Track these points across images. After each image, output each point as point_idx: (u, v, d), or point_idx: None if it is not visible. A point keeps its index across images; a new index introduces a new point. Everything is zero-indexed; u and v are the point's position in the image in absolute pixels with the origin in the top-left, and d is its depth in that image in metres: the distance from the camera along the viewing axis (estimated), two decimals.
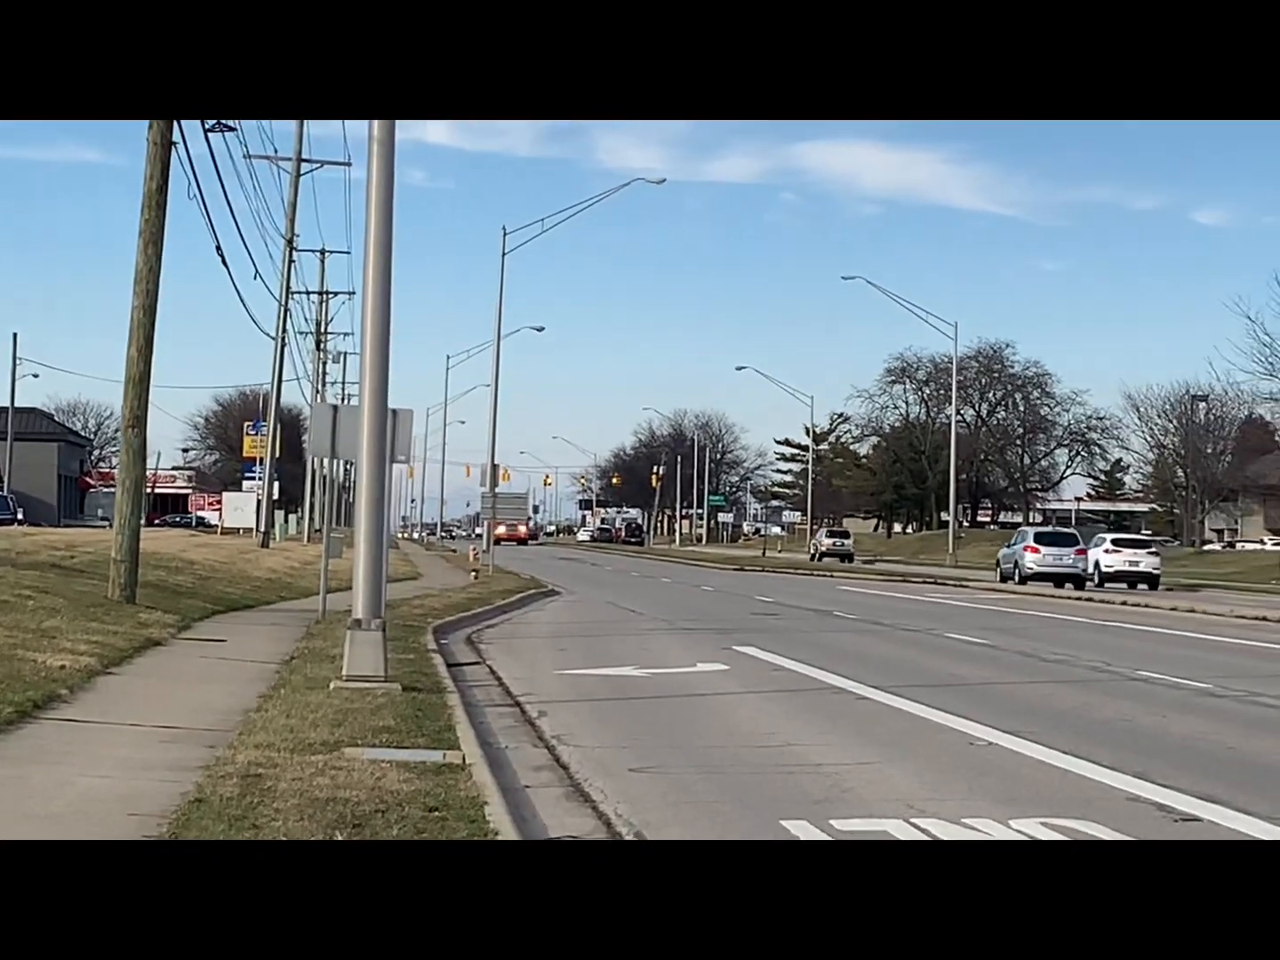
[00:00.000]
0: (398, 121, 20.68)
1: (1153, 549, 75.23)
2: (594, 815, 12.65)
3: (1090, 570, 69.00)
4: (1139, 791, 13.76)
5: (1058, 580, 67.35)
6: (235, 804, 11.23)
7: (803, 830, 11.76)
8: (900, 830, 11.80)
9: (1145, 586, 67.47)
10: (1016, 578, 69.45)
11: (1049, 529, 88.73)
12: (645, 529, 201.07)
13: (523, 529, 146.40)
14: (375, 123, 19.82)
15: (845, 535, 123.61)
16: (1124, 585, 67.21)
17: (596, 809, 12.94)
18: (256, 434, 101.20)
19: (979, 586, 67.51)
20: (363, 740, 14.67)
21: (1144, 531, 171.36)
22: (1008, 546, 76.62)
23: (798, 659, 26.36)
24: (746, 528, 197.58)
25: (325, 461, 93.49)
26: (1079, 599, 56.23)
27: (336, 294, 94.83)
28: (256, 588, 39.99)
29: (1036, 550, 69.41)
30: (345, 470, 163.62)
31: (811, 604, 47.88)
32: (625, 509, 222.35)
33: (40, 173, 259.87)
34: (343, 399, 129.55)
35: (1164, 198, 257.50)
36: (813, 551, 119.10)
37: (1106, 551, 70.69)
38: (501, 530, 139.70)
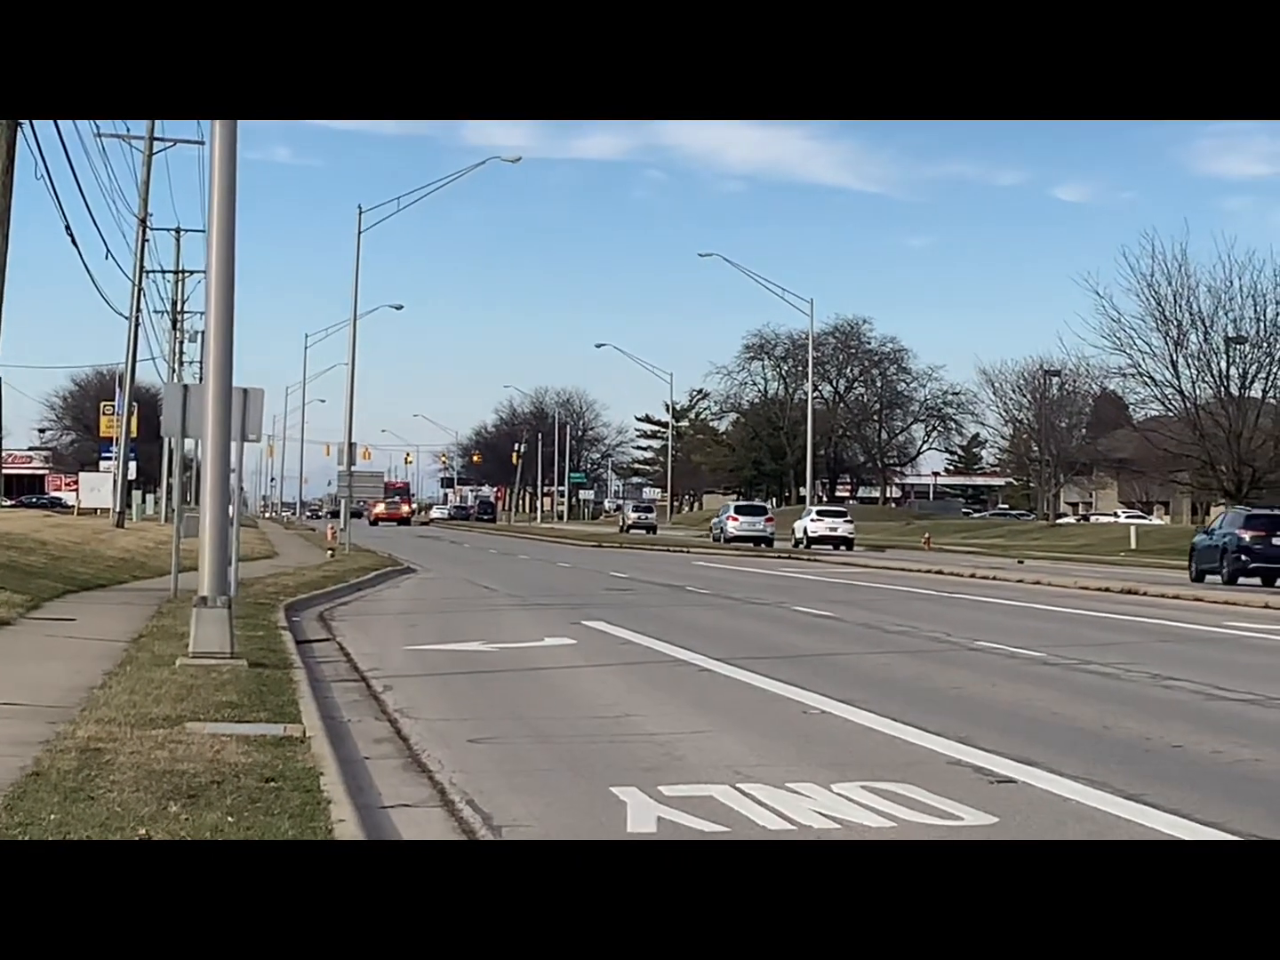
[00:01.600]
0: None
1: (848, 517, 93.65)
2: (429, 785, 12.88)
3: (800, 535, 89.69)
4: (960, 756, 14.17)
5: (753, 541, 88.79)
6: (72, 777, 11.39)
7: (631, 796, 12.09)
8: (725, 795, 12.15)
9: (844, 548, 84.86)
10: (722, 539, 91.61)
11: (745, 503, 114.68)
12: (499, 506, 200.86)
13: (405, 508, 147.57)
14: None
15: (649, 510, 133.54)
16: (829, 547, 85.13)
17: (432, 778, 13.17)
18: (114, 414, 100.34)
19: (829, 560, 68.20)
20: (205, 715, 14.82)
21: (1001, 505, 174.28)
22: (717, 516, 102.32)
23: (646, 633, 26.68)
24: (608, 505, 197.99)
25: (180, 441, 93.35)
26: (930, 572, 56.86)
27: (193, 273, 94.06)
28: (110, 567, 39.83)
29: (735, 519, 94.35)
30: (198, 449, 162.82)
31: (665, 580, 48.24)
32: (481, 487, 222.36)
33: None
34: (200, 378, 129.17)
35: (1027, 173, 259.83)
36: (620, 524, 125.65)
37: (812, 520, 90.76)
38: (381, 509, 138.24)
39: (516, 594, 39.20)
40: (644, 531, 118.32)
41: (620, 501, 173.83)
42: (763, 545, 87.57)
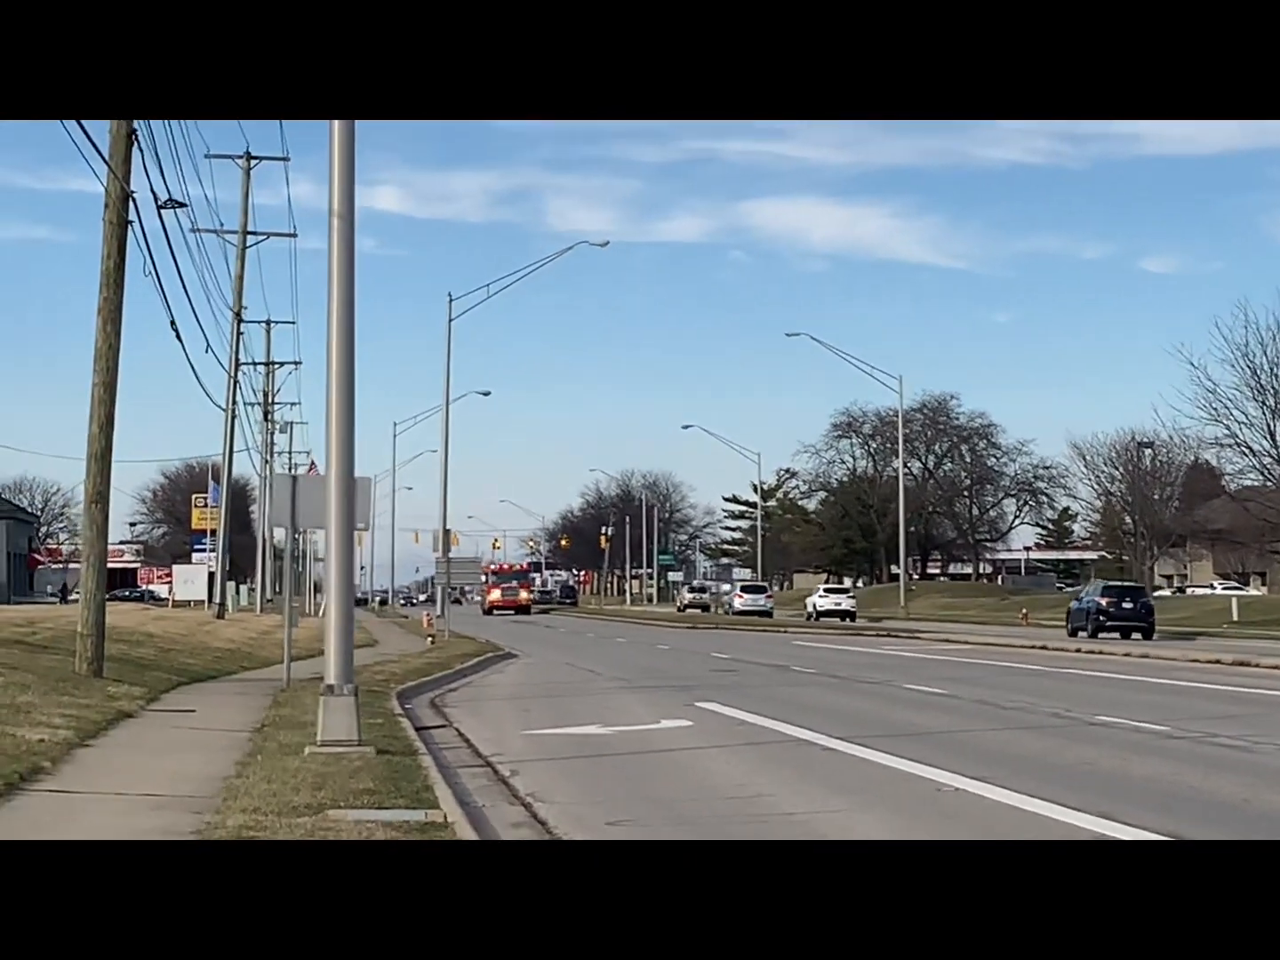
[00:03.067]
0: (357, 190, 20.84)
1: (850, 593, 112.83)
2: None
3: (810, 611, 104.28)
4: (1104, 830, 14.15)
5: (756, 614, 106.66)
6: None
7: None
8: None
9: (849, 620, 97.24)
10: (729, 612, 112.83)
11: (750, 582, 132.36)
12: (581, 590, 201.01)
13: (524, 594, 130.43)
14: (335, 195, 20.18)
15: (703, 590, 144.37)
16: (836, 619, 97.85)
17: None
18: (206, 506, 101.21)
19: (928, 638, 67.93)
20: (345, 802, 14.92)
21: (1093, 579, 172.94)
22: (725, 595, 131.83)
23: (761, 713, 26.69)
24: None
25: (278, 532, 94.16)
26: (1034, 648, 56.60)
27: (283, 364, 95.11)
28: (218, 658, 40.14)
29: (741, 596, 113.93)
30: (295, 540, 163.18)
31: (768, 659, 48.22)
32: (559, 571, 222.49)
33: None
34: (289, 469, 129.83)
35: (1112, 246, 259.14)
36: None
37: (820, 596, 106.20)
38: (496, 596, 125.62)
39: (622, 677, 39.20)
40: (699, 610, 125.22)
41: (712, 583, 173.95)
42: (764, 617, 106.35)
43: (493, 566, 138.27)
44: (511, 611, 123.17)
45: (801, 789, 17.53)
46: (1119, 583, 78.60)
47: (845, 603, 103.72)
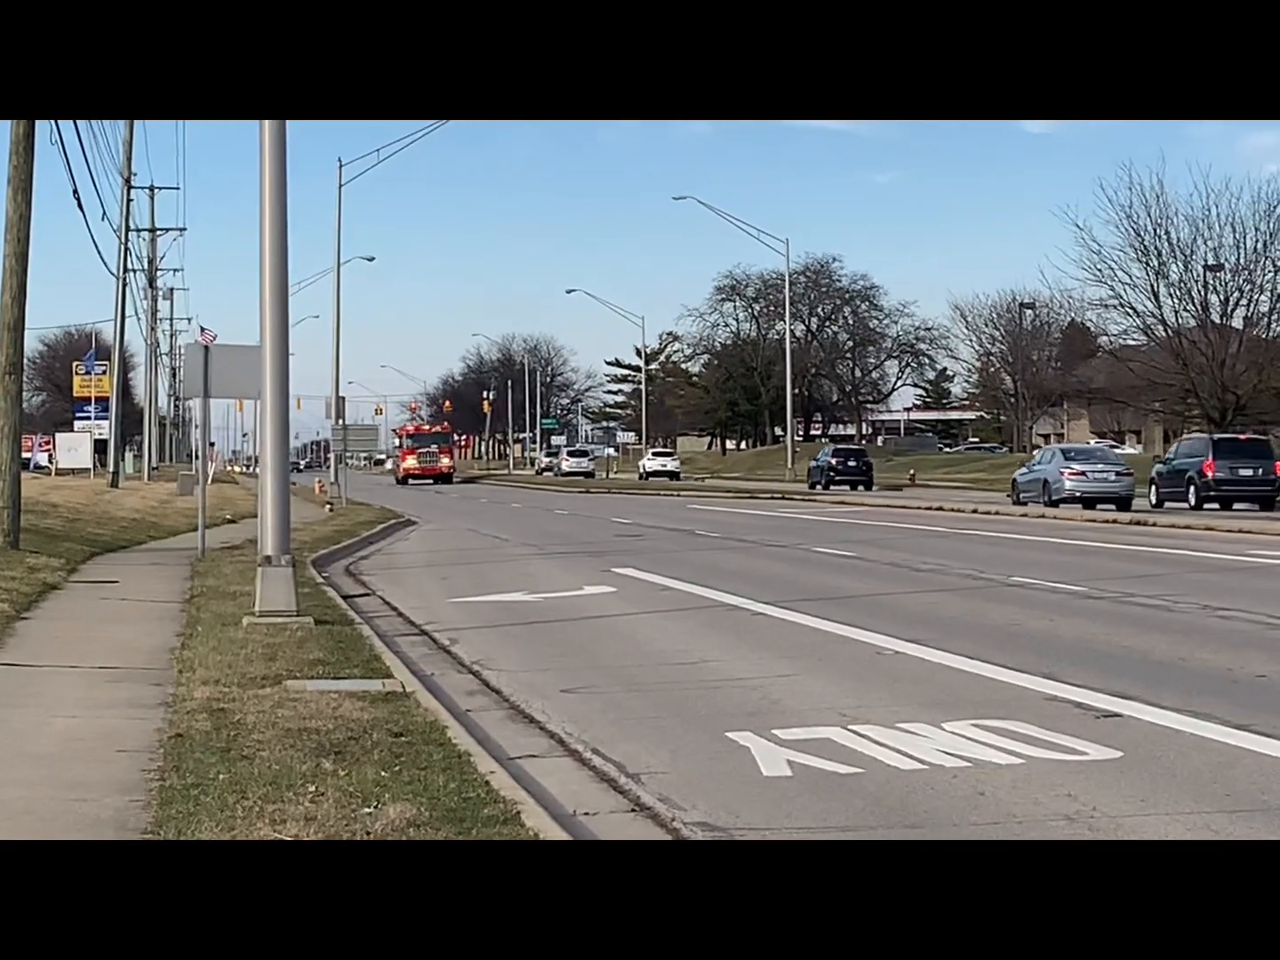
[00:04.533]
0: None
1: (674, 456, 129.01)
2: (544, 735, 13.17)
3: (641, 471, 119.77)
4: (1054, 691, 14.47)
5: (580, 474, 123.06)
6: (215, 737, 11.66)
7: (750, 741, 12.37)
8: (842, 738, 12.42)
9: (674, 479, 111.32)
10: (557, 474, 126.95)
11: (574, 448, 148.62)
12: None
13: (445, 461, 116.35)
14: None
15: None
16: (664, 479, 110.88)
17: (544, 729, 13.46)
18: (89, 373, 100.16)
19: (823, 500, 68.51)
20: (300, 673, 15.08)
21: (972, 439, 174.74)
22: (550, 456, 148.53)
23: (680, 578, 26.95)
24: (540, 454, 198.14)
25: (166, 401, 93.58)
26: (931, 509, 57.28)
27: (167, 230, 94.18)
28: (125, 528, 39.94)
29: (568, 459, 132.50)
30: (176, 409, 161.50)
31: (670, 524, 48.44)
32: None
33: None
34: (171, 336, 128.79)
35: None
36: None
37: (649, 460, 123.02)
38: (412, 463, 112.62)
39: (530, 543, 39.39)
40: (582, 477, 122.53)
41: (595, 446, 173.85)
42: (587, 477, 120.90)
43: (408, 428, 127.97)
44: (430, 481, 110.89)
45: (744, 654, 17.79)
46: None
47: (670, 464, 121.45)
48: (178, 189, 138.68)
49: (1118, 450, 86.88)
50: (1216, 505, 53.40)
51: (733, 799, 10.57)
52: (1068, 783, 10.74)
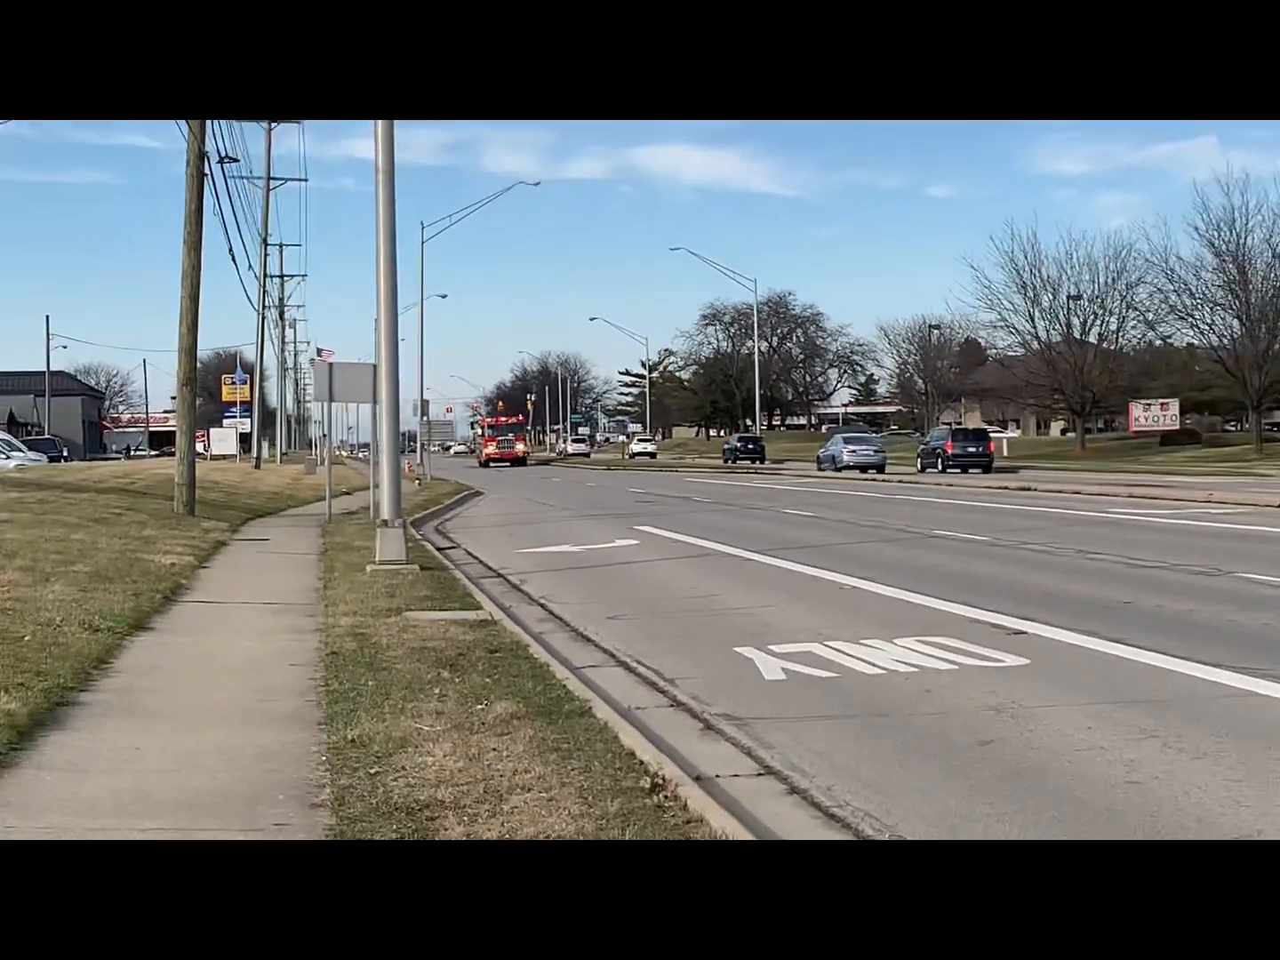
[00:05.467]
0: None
1: (653, 441, 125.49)
2: (600, 651, 13.23)
3: (629, 453, 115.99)
4: (974, 615, 14.52)
5: (579, 456, 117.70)
6: (360, 655, 11.74)
7: (752, 654, 12.46)
8: (821, 650, 12.49)
9: (653, 458, 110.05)
10: (563, 456, 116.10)
11: (577, 437, 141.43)
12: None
13: (520, 446, 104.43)
14: (380, 153, 20.02)
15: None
16: (646, 458, 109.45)
17: (599, 646, 13.54)
18: (233, 384, 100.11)
19: (787, 473, 68.38)
20: (414, 606, 15.14)
21: (893, 427, 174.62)
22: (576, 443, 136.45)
23: (687, 534, 26.92)
24: (599, 438, 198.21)
25: (283, 396, 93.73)
26: (874, 479, 57.19)
27: (293, 276, 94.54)
28: (269, 500, 39.89)
29: (573, 445, 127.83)
30: (298, 409, 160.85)
31: (674, 493, 48.34)
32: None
33: (73, 192, 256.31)
34: (294, 355, 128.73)
35: (905, 178, 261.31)
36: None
37: (635, 444, 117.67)
38: (493, 449, 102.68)
39: (570, 508, 39.23)
40: (582, 458, 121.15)
41: (610, 435, 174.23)
42: (585, 458, 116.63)
43: (489, 421, 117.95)
44: (508, 464, 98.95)
45: (741, 590, 17.78)
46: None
47: (649, 447, 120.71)
48: (299, 245, 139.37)
49: (996, 434, 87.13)
50: (957, 470, 62.58)
51: (744, 696, 10.67)
52: (992, 683, 10.83)
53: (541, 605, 16.89)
